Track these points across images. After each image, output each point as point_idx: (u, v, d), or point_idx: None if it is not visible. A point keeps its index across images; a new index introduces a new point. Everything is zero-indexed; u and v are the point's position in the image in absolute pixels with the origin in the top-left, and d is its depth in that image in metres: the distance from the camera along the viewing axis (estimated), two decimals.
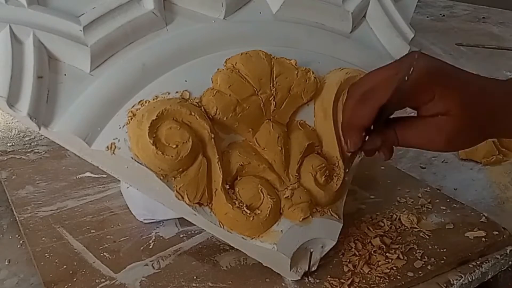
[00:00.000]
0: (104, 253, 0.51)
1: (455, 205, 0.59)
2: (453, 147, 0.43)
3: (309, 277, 0.48)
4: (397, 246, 0.51)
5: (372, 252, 0.50)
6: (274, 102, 0.47)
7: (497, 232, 0.54)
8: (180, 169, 0.43)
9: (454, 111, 0.40)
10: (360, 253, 0.50)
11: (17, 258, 0.52)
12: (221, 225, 0.45)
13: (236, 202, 0.44)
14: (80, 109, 0.42)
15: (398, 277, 0.48)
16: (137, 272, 0.48)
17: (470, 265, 0.51)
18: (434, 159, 0.71)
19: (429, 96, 0.40)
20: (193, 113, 0.43)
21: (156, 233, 0.54)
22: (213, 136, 0.44)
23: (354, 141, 0.43)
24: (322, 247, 0.48)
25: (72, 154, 0.45)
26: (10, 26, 0.41)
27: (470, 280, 0.50)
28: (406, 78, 0.38)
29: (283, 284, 0.47)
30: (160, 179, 0.43)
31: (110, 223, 0.55)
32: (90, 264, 0.49)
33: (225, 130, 0.46)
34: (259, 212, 0.45)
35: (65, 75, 0.43)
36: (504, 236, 0.54)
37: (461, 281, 0.50)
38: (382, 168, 0.67)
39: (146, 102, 0.44)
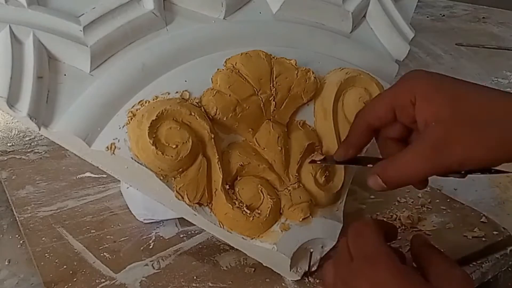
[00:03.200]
0: (104, 253, 0.51)
1: (455, 205, 0.59)
2: None
3: (309, 277, 0.48)
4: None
5: None
6: (274, 102, 0.47)
7: (497, 232, 0.54)
8: (180, 169, 0.43)
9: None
10: None
11: (17, 258, 0.52)
12: (221, 225, 0.45)
13: (236, 202, 0.44)
14: (80, 109, 0.42)
15: None
16: (137, 272, 0.48)
17: (470, 265, 0.51)
18: None
19: None
20: (193, 113, 0.43)
21: (156, 233, 0.54)
22: (213, 136, 0.44)
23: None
24: (322, 247, 0.48)
25: (72, 154, 0.45)
26: (10, 26, 0.41)
27: None
28: None
29: (283, 284, 0.47)
30: (160, 179, 0.43)
31: (110, 223, 0.55)
32: (90, 264, 0.49)
33: (225, 130, 0.46)
34: (259, 212, 0.45)
35: (65, 75, 0.43)
36: (504, 236, 0.54)
37: None
38: None
39: (146, 102, 0.44)
